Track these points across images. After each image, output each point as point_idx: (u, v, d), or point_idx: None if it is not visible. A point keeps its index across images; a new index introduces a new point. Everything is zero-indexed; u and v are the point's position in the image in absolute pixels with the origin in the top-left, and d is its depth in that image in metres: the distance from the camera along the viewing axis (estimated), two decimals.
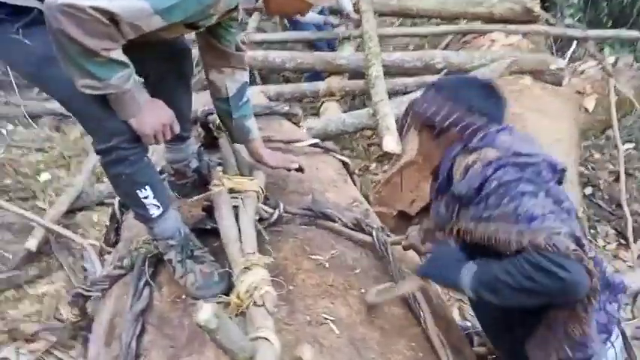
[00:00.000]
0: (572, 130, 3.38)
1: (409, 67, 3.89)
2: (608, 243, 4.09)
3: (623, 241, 4.06)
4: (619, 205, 4.31)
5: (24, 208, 3.03)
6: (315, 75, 4.33)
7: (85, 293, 1.75)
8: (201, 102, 2.45)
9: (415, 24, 5.31)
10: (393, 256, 1.64)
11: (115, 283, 1.69)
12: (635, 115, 4.81)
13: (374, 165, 3.96)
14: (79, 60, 1.14)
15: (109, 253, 2.23)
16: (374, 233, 1.69)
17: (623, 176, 3.93)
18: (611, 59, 4.53)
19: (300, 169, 1.87)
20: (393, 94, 3.73)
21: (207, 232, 1.66)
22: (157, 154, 2.01)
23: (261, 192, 1.62)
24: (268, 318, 1.15)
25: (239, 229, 1.46)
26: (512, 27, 4.22)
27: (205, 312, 0.94)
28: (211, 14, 1.28)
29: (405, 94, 3.78)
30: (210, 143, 2.07)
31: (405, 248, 1.70)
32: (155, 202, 1.43)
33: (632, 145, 4.83)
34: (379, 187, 2.92)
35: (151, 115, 1.30)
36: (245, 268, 1.28)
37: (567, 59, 5.57)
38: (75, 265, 2.84)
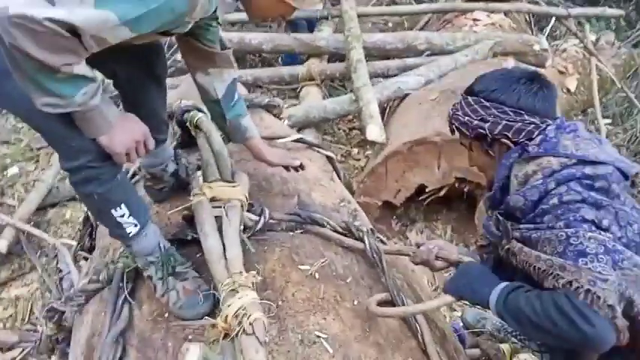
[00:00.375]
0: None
1: (390, 49, 3.78)
2: None
3: None
4: None
5: None
6: (293, 57, 4.19)
7: (60, 309, 1.65)
8: (176, 95, 2.33)
9: (394, 2, 5.18)
10: (386, 264, 1.56)
11: (91, 298, 1.59)
12: (613, 91, 4.81)
13: (356, 150, 3.88)
14: (38, 77, 1.01)
15: (85, 258, 2.13)
16: (365, 240, 1.62)
17: None
18: (592, 37, 4.50)
19: (301, 167, 1.78)
20: (374, 76, 3.63)
21: (189, 241, 1.57)
22: None
23: (245, 200, 1.53)
24: (260, 349, 1.07)
25: (223, 244, 1.37)
26: (495, 5, 4.13)
27: (193, 355, 0.85)
28: (186, 22, 1.16)
29: (386, 77, 3.68)
30: (188, 142, 1.96)
31: (415, 263, 1.62)
32: (132, 220, 1.33)
33: (609, 121, 4.84)
34: (363, 177, 2.84)
35: (123, 131, 1.19)
36: (232, 290, 1.20)
37: (546, 35, 5.55)
38: (48, 266, 2.72)
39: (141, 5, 1.00)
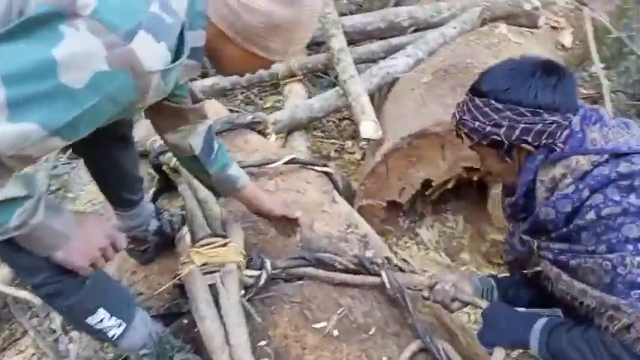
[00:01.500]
0: None
1: (372, 30, 3.53)
2: None
3: None
4: None
5: None
6: None
7: None
8: (145, 129, 2.10)
9: None
10: (410, 302, 1.37)
11: None
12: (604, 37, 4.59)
13: (349, 143, 3.66)
14: None
15: None
16: (384, 275, 1.43)
17: (609, 108, 3.71)
18: None
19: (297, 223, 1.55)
20: (359, 62, 3.38)
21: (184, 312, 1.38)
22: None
23: (242, 259, 1.33)
24: None
25: (222, 320, 1.17)
26: None
27: None
28: (139, 108, 0.94)
29: (372, 61, 3.44)
30: (167, 187, 1.75)
31: (429, 300, 1.42)
32: (114, 321, 1.14)
33: (602, 65, 4.63)
34: (364, 179, 2.64)
35: (82, 241, 0.98)
36: None
37: None
38: (41, 327, 2.52)
39: (73, 107, 0.78)
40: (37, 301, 2.37)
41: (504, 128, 1.15)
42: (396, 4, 4.43)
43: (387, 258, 1.55)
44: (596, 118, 1.17)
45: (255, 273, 1.38)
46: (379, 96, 3.26)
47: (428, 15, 3.41)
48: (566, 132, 1.14)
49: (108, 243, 1.03)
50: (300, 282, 1.44)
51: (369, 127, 2.61)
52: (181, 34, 0.88)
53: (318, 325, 1.32)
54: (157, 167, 1.72)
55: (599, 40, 4.26)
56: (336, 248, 1.60)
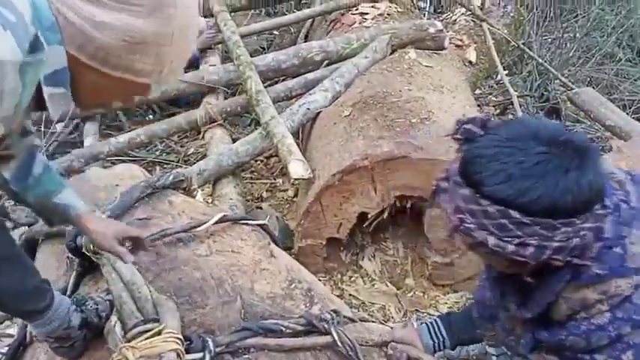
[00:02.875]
0: (469, 94, 3.26)
1: (287, 67, 3.53)
2: None
3: None
4: None
5: None
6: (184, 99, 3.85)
7: None
8: None
9: (269, 14, 4.94)
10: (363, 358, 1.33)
11: None
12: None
13: (280, 181, 3.61)
14: None
15: None
16: (334, 333, 1.37)
17: (520, 114, 3.90)
18: (477, 2, 4.48)
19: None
20: (278, 101, 3.37)
21: None
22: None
23: (180, 346, 1.22)
24: None
25: None
26: None
27: None
28: None
29: (290, 98, 3.43)
30: (90, 268, 1.61)
31: None
32: None
33: (506, 72, 4.90)
34: (300, 220, 2.59)
35: None
36: None
37: (428, 6, 5.53)
38: None
39: None
40: None
41: (532, 248, 0.92)
42: (306, 38, 4.50)
43: (334, 311, 1.50)
44: (629, 213, 0.97)
45: (198, 356, 1.28)
46: (302, 133, 3.25)
47: (339, 47, 3.47)
48: (597, 244, 0.95)
49: None
50: (247, 356, 1.36)
51: (298, 168, 2.57)
52: (36, 39, 0.78)
53: None
54: (75, 250, 1.58)
55: (501, 51, 4.52)
56: (281, 309, 1.53)
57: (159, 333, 1.22)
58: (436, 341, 1.49)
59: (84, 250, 1.55)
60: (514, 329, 1.18)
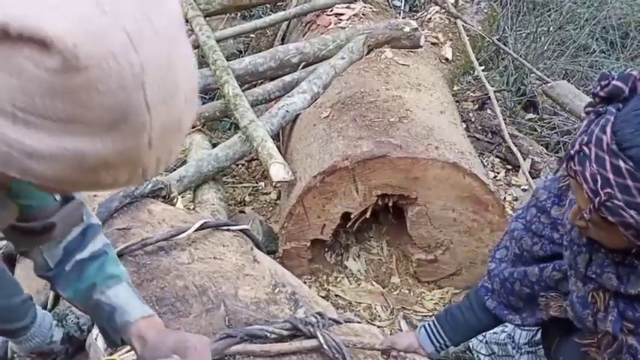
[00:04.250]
0: (446, 91, 3.28)
1: (264, 70, 3.51)
2: (498, 173, 4.19)
3: (509, 167, 4.19)
4: (493, 133, 4.42)
5: None
6: None
7: None
8: None
9: (244, 17, 4.92)
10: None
11: None
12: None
13: (262, 184, 3.59)
14: None
15: None
16: (319, 337, 1.37)
17: (498, 109, 3.93)
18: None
19: None
20: (256, 104, 3.35)
21: None
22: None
23: None
24: None
25: None
26: None
27: None
28: None
29: (268, 101, 3.42)
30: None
31: None
32: None
33: (482, 67, 4.96)
34: (283, 223, 2.58)
35: None
36: None
37: (403, 5, 5.57)
38: None
39: None
40: None
41: None
42: (283, 40, 4.49)
43: (319, 314, 1.50)
44: None
45: None
46: (282, 136, 3.24)
47: (315, 49, 3.46)
48: None
49: None
50: None
51: (279, 170, 2.56)
52: None
53: None
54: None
55: (477, 47, 4.57)
56: (266, 314, 1.52)
57: None
58: (437, 345, 1.51)
59: None
60: (596, 302, 1.13)
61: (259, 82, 3.66)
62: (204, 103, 3.55)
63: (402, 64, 3.18)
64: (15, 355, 1.41)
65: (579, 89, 3.98)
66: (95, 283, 1.05)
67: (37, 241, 1.04)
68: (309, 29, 4.06)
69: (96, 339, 1.30)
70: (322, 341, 1.37)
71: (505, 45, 4.86)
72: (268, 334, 1.39)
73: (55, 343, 1.33)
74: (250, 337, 1.38)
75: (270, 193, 3.53)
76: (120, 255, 1.60)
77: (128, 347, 1.21)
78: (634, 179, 0.84)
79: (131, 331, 1.03)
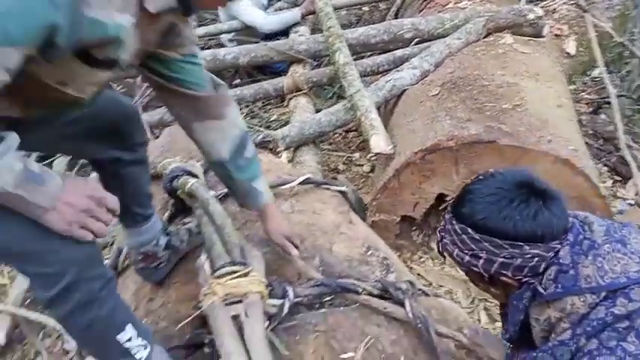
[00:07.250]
0: (565, 86, 3.11)
1: (376, 42, 3.50)
2: (604, 182, 3.92)
3: (617, 177, 3.91)
4: (605, 140, 4.12)
5: None
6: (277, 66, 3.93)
7: None
8: (157, 150, 2.06)
9: None
10: (435, 338, 1.33)
11: None
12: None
13: (357, 155, 3.63)
14: None
15: None
16: (407, 305, 1.38)
17: (618, 115, 3.65)
18: None
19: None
20: (364, 75, 3.36)
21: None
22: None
23: (264, 290, 1.28)
24: None
25: (248, 355, 1.13)
26: None
27: None
28: (103, 24, 0.85)
29: (377, 74, 3.42)
30: (183, 210, 1.71)
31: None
32: (140, 341, 1.09)
33: (604, 68, 4.61)
34: (376, 194, 2.60)
35: (61, 205, 0.90)
36: None
37: None
38: (55, 348, 2.47)
39: None
40: (49, 322, 2.34)
41: (482, 261, 1.09)
42: (396, 15, 4.44)
43: (410, 282, 1.51)
44: (588, 245, 1.07)
45: (278, 302, 1.34)
46: (384, 109, 3.24)
47: (431, 26, 3.40)
48: (554, 266, 1.06)
49: (92, 204, 0.93)
50: (324, 310, 1.40)
51: (380, 142, 2.57)
52: None
53: (345, 356, 1.28)
54: (171, 192, 1.68)
55: (602, 46, 4.26)
56: (357, 272, 1.56)
57: (245, 275, 1.28)
58: None
59: (179, 192, 1.65)
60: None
61: (369, 54, 3.67)
62: (312, 69, 3.61)
63: (522, 52, 3.04)
64: (126, 257, 1.56)
65: None
66: (255, 175, 1.42)
67: (196, 113, 1.26)
68: (426, 6, 3.98)
69: (204, 263, 1.41)
70: (409, 310, 1.38)
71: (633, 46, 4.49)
72: (360, 290, 1.43)
73: (159, 247, 1.46)
74: (342, 289, 1.42)
75: (363, 165, 3.56)
76: (226, 196, 1.71)
77: (234, 275, 1.30)
78: (452, 224, 1.17)
79: (266, 212, 1.46)
